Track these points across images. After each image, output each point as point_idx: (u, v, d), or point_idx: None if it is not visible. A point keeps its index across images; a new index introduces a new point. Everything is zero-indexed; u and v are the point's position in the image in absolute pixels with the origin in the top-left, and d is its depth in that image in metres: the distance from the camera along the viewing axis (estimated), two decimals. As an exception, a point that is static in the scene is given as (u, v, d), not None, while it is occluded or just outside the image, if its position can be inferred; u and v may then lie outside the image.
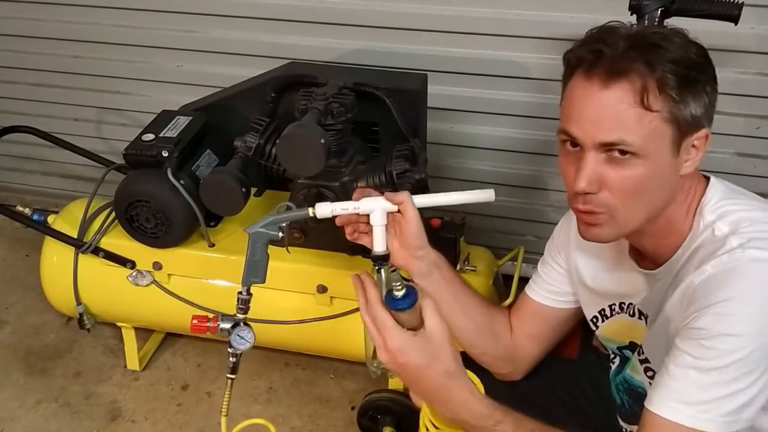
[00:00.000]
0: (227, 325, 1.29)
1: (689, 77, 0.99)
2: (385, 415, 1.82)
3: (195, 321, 1.31)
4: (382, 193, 1.22)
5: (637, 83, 0.98)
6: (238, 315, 1.29)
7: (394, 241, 1.24)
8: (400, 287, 1.05)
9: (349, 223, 1.24)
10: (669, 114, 0.99)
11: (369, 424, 1.88)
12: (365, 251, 1.24)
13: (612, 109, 0.99)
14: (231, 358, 1.31)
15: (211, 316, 1.31)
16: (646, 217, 1.07)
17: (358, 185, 1.70)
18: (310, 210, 1.21)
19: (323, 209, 1.21)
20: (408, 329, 1.03)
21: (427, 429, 1.14)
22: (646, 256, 1.17)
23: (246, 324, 1.30)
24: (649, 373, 1.17)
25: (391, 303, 1.05)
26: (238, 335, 1.29)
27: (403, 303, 1.04)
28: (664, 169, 1.02)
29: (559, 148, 1.08)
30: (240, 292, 1.29)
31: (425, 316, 1.03)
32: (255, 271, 1.24)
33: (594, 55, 1.01)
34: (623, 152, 1.00)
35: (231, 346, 1.29)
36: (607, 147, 1.01)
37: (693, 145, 1.04)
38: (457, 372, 1.04)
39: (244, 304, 1.29)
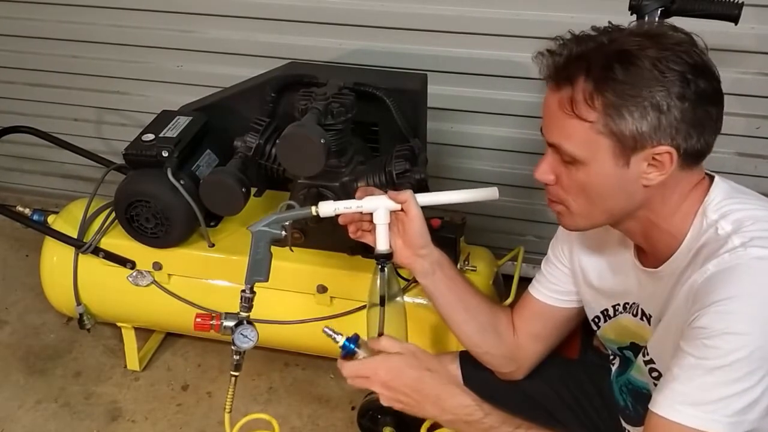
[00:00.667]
0: (231, 323, 1.30)
1: (628, 93, 0.98)
2: (385, 415, 1.82)
3: (198, 319, 1.31)
4: (386, 192, 1.22)
5: (568, 92, 1.01)
6: (241, 313, 1.29)
7: (398, 239, 1.25)
8: (338, 338, 1.21)
9: (352, 221, 1.25)
10: (603, 127, 1.00)
11: (369, 424, 1.88)
12: (366, 251, 1.24)
13: (554, 113, 1.04)
14: (235, 356, 1.32)
15: (214, 314, 1.31)
16: (606, 217, 1.11)
17: (358, 185, 1.70)
18: (313, 209, 1.21)
19: (326, 208, 1.21)
20: None
21: None
22: (648, 255, 1.17)
23: (249, 322, 1.30)
24: (654, 374, 1.17)
25: (347, 349, 1.19)
26: (241, 334, 1.29)
27: (353, 341, 1.19)
28: (609, 178, 1.04)
29: None
30: (243, 290, 1.29)
31: (387, 348, 1.17)
32: (258, 270, 1.25)
33: (548, 61, 1.05)
34: (564, 157, 1.05)
35: (234, 344, 1.29)
36: (554, 148, 1.06)
37: (655, 158, 1.02)
38: (438, 368, 1.17)
39: (247, 302, 1.29)
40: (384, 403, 1.16)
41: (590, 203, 1.08)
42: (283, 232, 1.23)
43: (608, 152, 1.02)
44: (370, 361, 1.17)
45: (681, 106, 0.99)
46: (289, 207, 1.31)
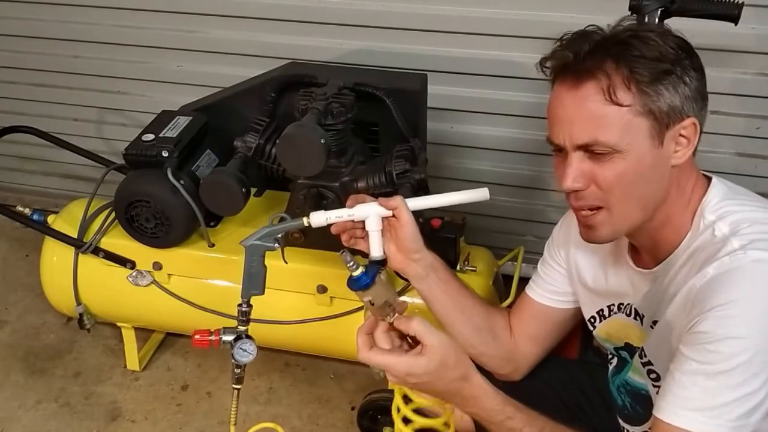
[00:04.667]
0: (229, 338, 1.30)
1: (661, 69, 1.00)
2: (385, 415, 1.82)
3: (197, 336, 1.31)
4: (376, 197, 1.22)
5: (604, 81, 1.00)
6: (239, 327, 1.30)
7: (391, 245, 1.25)
8: (354, 267, 1.09)
9: (345, 230, 1.25)
10: (642, 107, 1.00)
11: (369, 424, 1.88)
12: (364, 254, 1.24)
13: (582, 109, 1.02)
14: (236, 370, 1.32)
15: (212, 330, 1.31)
16: (640, 212, 1.08)
17: (358, 185, 1.70)
18: (305, 220, 1.21)
19: (318, 218, 1.21)
20: (391, 309, 1.08)
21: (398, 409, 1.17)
22: (644, 255, 1.17)
23: (248, 336, 1.30)
24: (653, 376, 1.17)
25: (353, 284, 1.09)
26: (240, 348, 1.30)
27: (366, 278, 1.09)
28: (647, 161, 1.03)
29: (552, 153, 1.12)
30: (240, 305, 1.29)
31: (421, 335, 1.05)
32: (254, 284, 1.24)
33: (563, 61, 1.04)
34: (601, 151, 1.02)
35: (234, 359, 1.30)
36: (585, 148, 1.04)
37: (681, 135, 1.04)
38: (468, 374, 1.08)
39: (244, 316, 1.29)
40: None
41: (628, 196, 1.05)
42: (276, 245, 1.22)
43: (646, 134, 1.02)
44: (392, 361, 1.05)
45: (696, 76, 1.03)
46: (281, 219, 1.30)
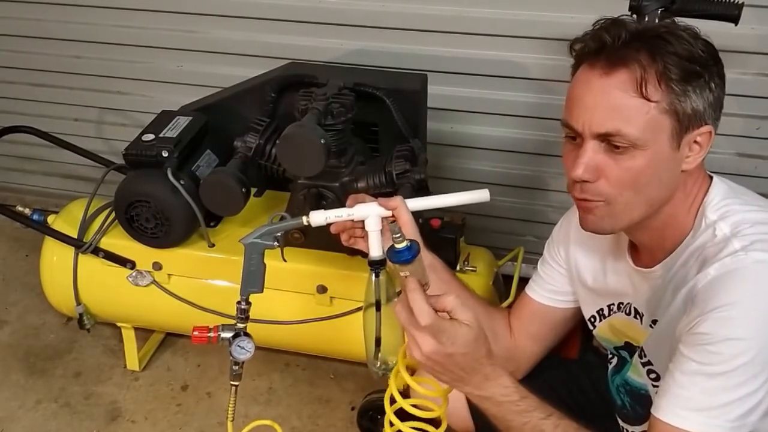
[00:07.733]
0: (228, 335, 1.30)
1: (691, 70, 0.99)
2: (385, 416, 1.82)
3: (196, 332, 1.31)
4: (376, 197, 1.22)
5: (637, 72, 0.99)
6: (238, 324, 1.30)
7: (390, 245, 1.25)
8: (400, 239, 1.07)
9: (345, 229, 1.25)
10: (668, 105, 0.99)
11: (369, 424, 1.88)
12: (364, 253, 1.24)
13: (610, 97, 1.00)
14: (234, 367, 1.32)
15: (211, 326, 1.32)
16: (644, 210, 1.07)
17: (358, 185, 1.70)
18: (305, 219, 1.21)
19: (317, 217, 1.21)
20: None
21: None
22: (644, 254, 1.17)
23: (246, 334, 1.31)
24: (652, 376, 1.17)
25: (395, 256, 1.06)
26: (238, 346, 1.30)
27: (409, 253, 1.06)
28: (662, 161, 1.02)
29: (563, 139, 1.10)
30: (239, 302, 1.29)
31: (457, 312, 1.03)
32: (253, 282, 1.25)
33: (597, 44, 1.02)
34: (621, 143, 1.01)
35: (232, 356, 1.30)
36: (604, 137, 1.02)
37: (695, 141, 1.04)
38: (491, 351, 1.05)
39: (243, 313, 1.30)
40: (420, 365, 1.04)
41: (637, 194, 1.04)
42: (276, 243, 1.22)
43: (667, 133, 1.01)
44: (458, 324, 1.01)
45: (719, 84, 1.02)
46: (282, 218, 1.31)
